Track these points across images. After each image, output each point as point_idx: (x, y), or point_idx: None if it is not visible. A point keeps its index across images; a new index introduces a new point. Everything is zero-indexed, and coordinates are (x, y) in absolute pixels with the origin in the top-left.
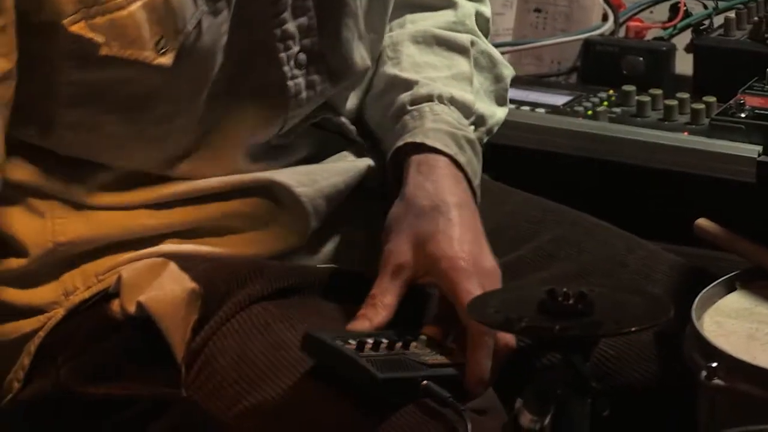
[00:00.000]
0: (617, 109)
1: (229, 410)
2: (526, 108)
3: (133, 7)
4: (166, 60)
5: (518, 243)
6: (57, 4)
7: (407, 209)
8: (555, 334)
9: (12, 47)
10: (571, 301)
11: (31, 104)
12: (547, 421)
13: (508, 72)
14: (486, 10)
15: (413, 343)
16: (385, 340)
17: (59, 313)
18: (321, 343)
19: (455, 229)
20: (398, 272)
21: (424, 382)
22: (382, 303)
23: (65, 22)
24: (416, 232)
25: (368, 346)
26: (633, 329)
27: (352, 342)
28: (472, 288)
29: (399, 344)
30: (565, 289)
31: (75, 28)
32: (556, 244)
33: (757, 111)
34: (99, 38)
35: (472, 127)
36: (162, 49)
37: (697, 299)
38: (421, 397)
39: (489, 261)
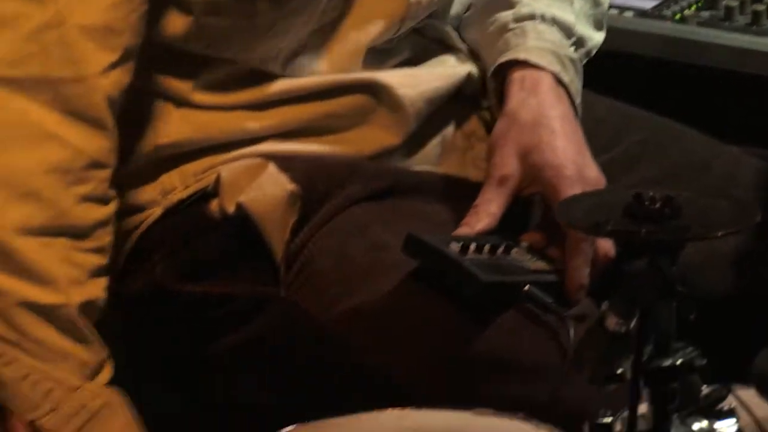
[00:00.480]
0: (705, 13)
1: (328, 311)
2: (614, 11)
3: None
4: None
5: (606, 149)
6: None
7: (511, 124)
8: (641, 238)
9: None
10: (657, 205)
11: None
12: (632, 324)
13: None
14: None
15: (514, 249)
16: (487, 245)
17: (156, 212)
18: (423, 244)
19: (559, 140)
20: (503, 182)
21: (527, 286)
22: (486, 211)
23: None
24: (520, 144)
25: (471, 249)
26: (720, 233)
27: (455, 245)
28: None
29: (500, 249)
30: (651, 193)
31: None
32: (641, 148)
33: None
34: None
35: (573, 48)
36: None
37: None
38: (523, 302)
39: (593, 170)
